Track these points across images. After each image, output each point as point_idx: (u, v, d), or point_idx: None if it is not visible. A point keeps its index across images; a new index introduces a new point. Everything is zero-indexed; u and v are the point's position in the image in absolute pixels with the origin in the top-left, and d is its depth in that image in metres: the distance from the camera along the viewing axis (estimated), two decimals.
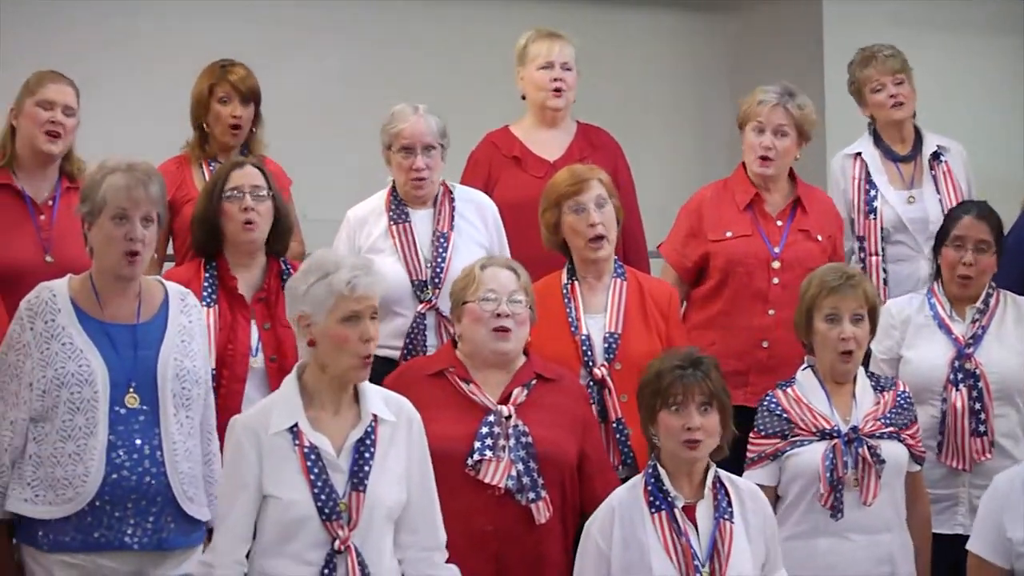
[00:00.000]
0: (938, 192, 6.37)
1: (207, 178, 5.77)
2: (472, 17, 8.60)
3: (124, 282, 4.64)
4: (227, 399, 4.99)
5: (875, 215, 6.32)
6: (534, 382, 5.00)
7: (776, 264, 5.82)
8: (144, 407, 4.56)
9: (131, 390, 4.55)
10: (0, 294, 4.94)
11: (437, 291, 5.57)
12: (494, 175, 6.18)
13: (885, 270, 6.29)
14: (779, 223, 5.92)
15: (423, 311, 5.57)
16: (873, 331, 5.27)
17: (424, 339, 5.56)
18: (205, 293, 5.15)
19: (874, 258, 6.29)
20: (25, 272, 5.10)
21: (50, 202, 5.45)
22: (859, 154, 6.45)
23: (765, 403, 5.22)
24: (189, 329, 4.70)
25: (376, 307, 4.38)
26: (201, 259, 5.27)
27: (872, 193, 6.36)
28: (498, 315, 4.97)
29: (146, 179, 4.62)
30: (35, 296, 4.63)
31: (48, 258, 5.29)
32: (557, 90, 6.18)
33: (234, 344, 5.10)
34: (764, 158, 5.90)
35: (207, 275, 5.20)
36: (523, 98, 6.29)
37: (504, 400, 4.94)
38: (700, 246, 5.93)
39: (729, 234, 5.88)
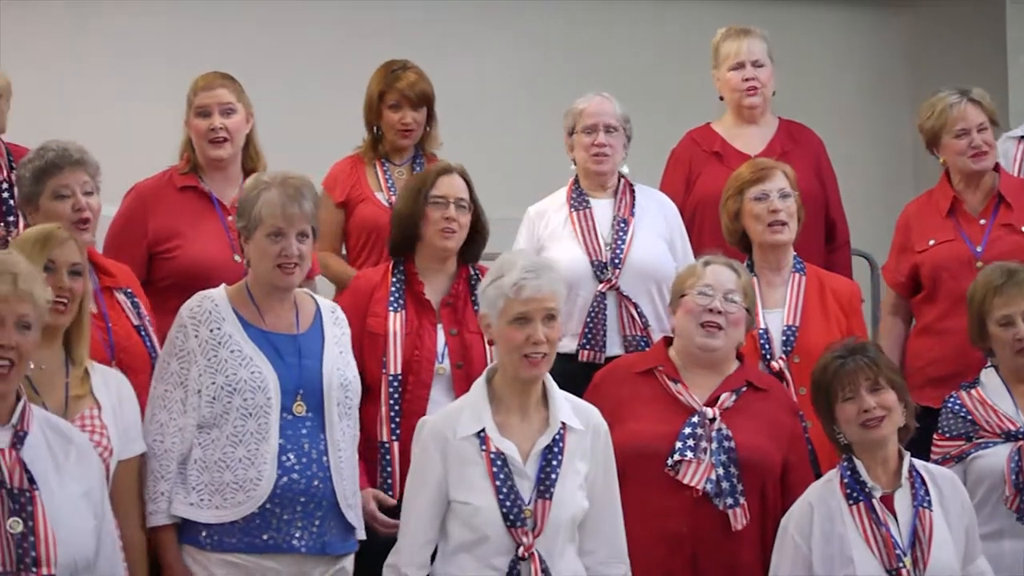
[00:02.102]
0: None
1: (380, 178, 5.86)
2: (649, 17, 8.57)
3: (281, 292, 4.68)
4: (412, 404, 5.00)
5: None
6: (744, 389, 4.96)
7: (979, 264, 5.71)
8: (310, 414, 4.60)
9: (299, 398, 4.59)
10: (191, 292, 4.89)
11: (617, 271, 5.62)
12: (695, 170, 6.20)
13: None
14: (982, 222, 5.85)
15: (603, 290, 5.61)
16: None
17: (604, 319, 5.58)
18: (392, 298, 5.15)
19: None
20: (214, 270, 5.13)
21: (236, 203, 5.45)
22: (1022, 137, 6.35)
23: (949, 404, 5.15)
24: (343, 341, 4.75)
25: (550, 309, 4.40)
26: (389, 263, 5.28)
27: None
28: (710, 311, 4.94)
29: (299, 195, 4.63)
30: (197, 304, 4.67)
31: (236, 257, 5.30)
32: (751, 89, 6.18)
33: (420, 349, 5.09)
34: (979, 153, 5.81)
35: (395, 279, 5.19)
36: (721, 99, 6.30)
37: (711, 403, 4.89)
38: (909, 259, 5.89)
39: (932, 242, 5.83)
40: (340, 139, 6.06)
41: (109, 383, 4.51)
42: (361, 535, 4.69)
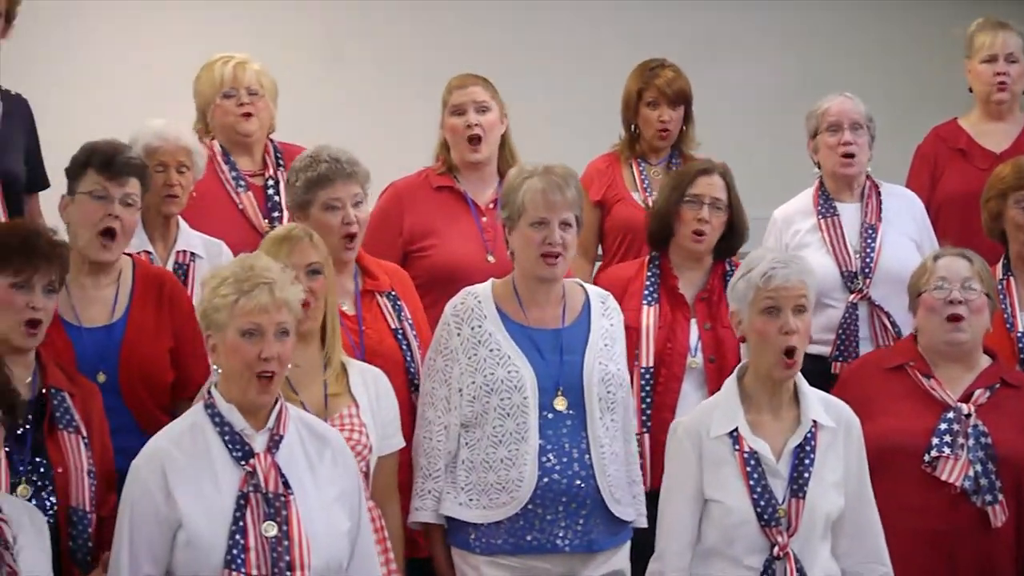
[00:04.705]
0: None
1: (637, 178, 5.87)
2: (896, 16, 8.44)
3: (546, 284, 4.67)
4: (664, 397, 5.01)
5: None
6: (997, 386, 4.85)
7: None
8: (571, 411, 4.59)
9: (559, 394, 4.59)
10: (443, 291, 5.02)
11: (868, 281, 5.55)
12: (940, 167, 6.09)
13: None
14: None
15: (854, 301, 5.54)
16: None
17: (856, 330, 5.52)
18: (647, 292, 5.16)
19: None
20: (468, 271, 5.18)
21: (491, 204, 5.49)
22: None
23: None
24: (611, 332, 4.72)
25: (800, 300, 4.34)
26: (644, 258, 5.29)
27: None
28: (951, 302, 4.85)
29: (563, 183, 4.62)
30: (460, 302, 4.70)
31: (490, 258, 5.36)
32: (1002, 84, 6.05)
33: (673, 343, 5.09)
34: None
35: (649, 274, 5.20)
36: (970, 91, 6.18)
37: (965, 399, 4.80)
38: None
39: None
40: (594, 140, 6.10)
41: (367, 379, 4.56)
42: (642, 523, 4.67)
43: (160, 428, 4.41)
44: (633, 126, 5.96)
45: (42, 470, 4.08)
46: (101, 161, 4.64)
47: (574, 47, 8.05)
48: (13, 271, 4.15)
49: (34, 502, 4.03)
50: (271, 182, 5.58)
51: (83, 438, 4.18)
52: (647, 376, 5.06)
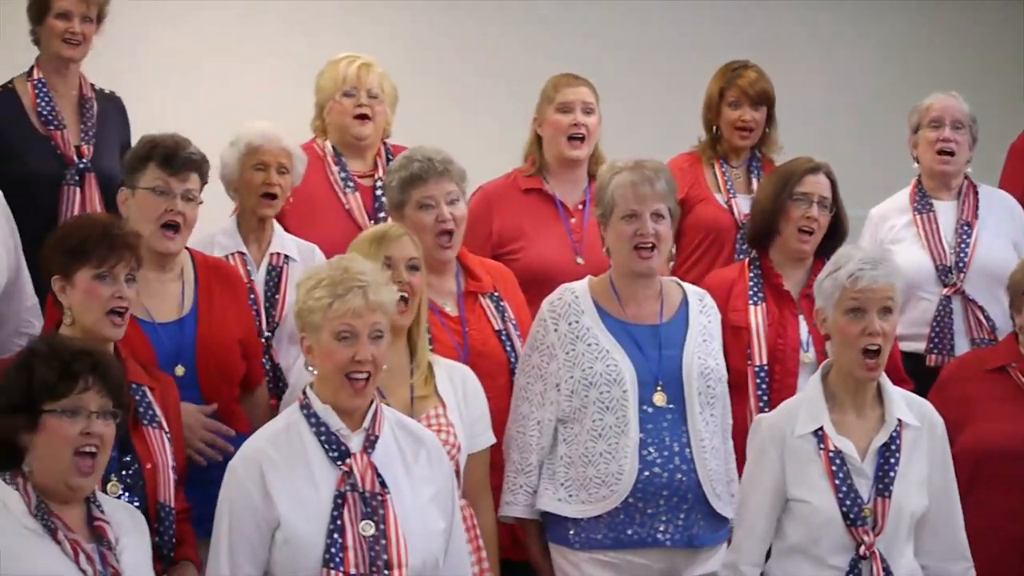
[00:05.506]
0: None
1: (719, 179, 5.86)
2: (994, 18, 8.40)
3: (642, 280, 4.67)
4: (781, 393, 4.96)
5: None
6: None
7: None
8: (671, 406, 4.58)
9: (658, 388, 4.58)
10: (532, 293, 5.05)
11: (962, 275, 5.54)
12: None
13: None
14: None
15: (948, 294, 5.54)
16: None
17: (951, 323, 5.51)
18: (751, 291, 5.16)
19: None
20: (556, 273, 5.19)
21: (580, 206, 5.54)
22: None
23: None
24: (709, 329, 4.71)
25: (887, 302, 4.33)
26: (744, 259, 5.30)
27: None
28: None
29: (653, 175, 4.63)
30: (558, 298, 4.70)
31: (579, 260, 5.39)
32: None
33: (784, 339, 5.09)
34: None
35: (751, 274, 5.20)
36: None
37: None
38: None
39: None
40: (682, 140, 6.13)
41: (453, 378, 4.55)
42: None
43: (236, 421, 4.55)
44: (715, 127, 5.96)
45: (131, 467, 4.11)
46: (163, 156, 4.63)
47: (653, 45, 8.07)
48: (96, 262, 4.15)
49: (124, 499, 4.06)
50: (379, 183, 5.60)
51: (166, 433, 4.21)
52: (762, 374, 5.07)
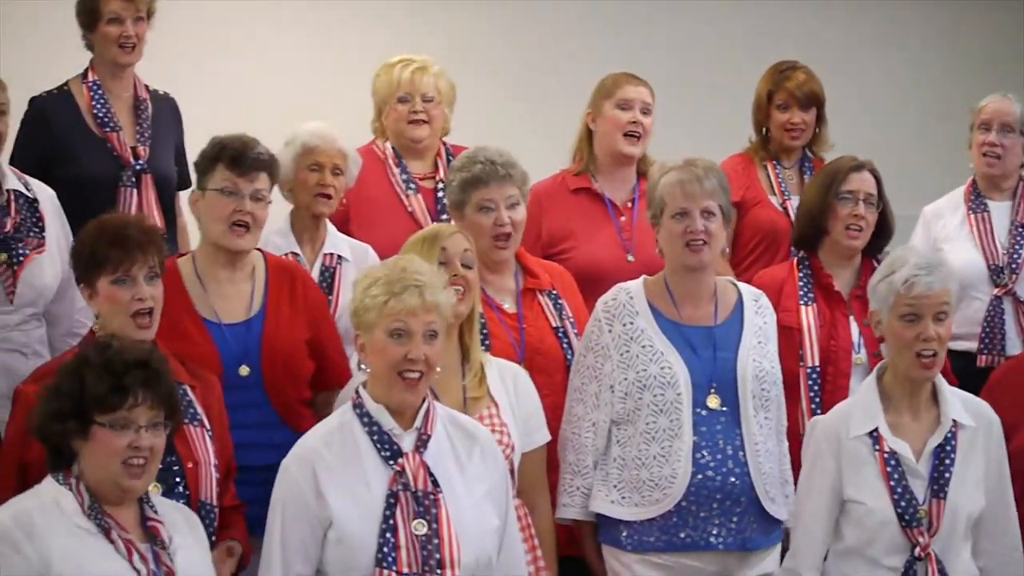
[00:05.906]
0: None
1: (773, 180, 5.86)
2: None
3: (696, 276, 4.63)
4: (834, 395, 4.96)
5: None
6: None
7: None
8: (725, 408, 4.56)
9: (712, 391, 4.56)
10: (584, 293, 5.03)
11: (1014, 276, 5.54)
12: None
13: None
14: None
15: (999, 295, 5.54)
16: None
17: (1002, 324, 5.50)
18: (801, 292, 5.15)
19: None
20: (607, 272, 5.19)
21: (629, 203, 5.53)
22: None
23: None
24: (764, 330, 4.68)
25: (942, 307, 4.31)
26: (793, 259, 5.28)
27: None
28: None
29: (703, 173, 4.61)
30: (612, 298, 4.68)
31: (629, 258, 5.39)
32: None
33: (836, 340, 5.08)
34: None
35: (801, 274, 5.19)
36: None
37: None
38: None
39: None
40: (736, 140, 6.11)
41: (505, 377, 4.53)
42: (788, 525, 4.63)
43: (301, 421, 4.52)
44: (764, 128, 5.96)
45: (173, 466, 4.10)
46: (231, 157, 4.65)
47: (700, 48, 8.05)
48: (111, 268, 4.14)
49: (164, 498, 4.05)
50: (440, 184, 5.61)
51: (207, 431, 4.21)
52: (814, 376, 5.05)
